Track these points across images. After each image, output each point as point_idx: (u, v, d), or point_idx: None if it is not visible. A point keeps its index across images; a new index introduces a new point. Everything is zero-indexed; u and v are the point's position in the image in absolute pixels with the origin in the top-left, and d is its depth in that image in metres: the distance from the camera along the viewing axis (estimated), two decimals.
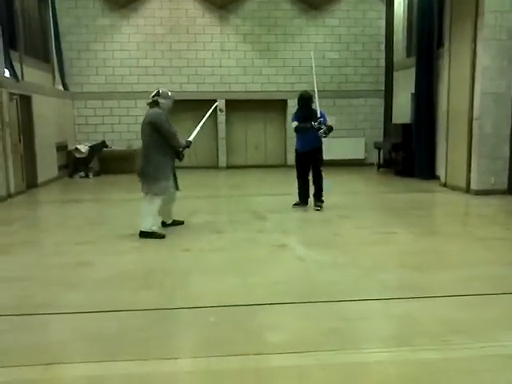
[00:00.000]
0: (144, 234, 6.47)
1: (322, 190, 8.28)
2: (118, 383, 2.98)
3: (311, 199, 8.37)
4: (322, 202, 8.25)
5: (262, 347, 3.36)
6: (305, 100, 8.14)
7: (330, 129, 7.97)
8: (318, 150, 8.20)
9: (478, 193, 9.45)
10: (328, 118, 8.18)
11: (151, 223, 6.51)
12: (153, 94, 6.62)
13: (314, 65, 8.72)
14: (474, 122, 9.55)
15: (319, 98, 8.15)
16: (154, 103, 6.56)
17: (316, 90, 8.16)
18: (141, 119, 6.85)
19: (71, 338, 3.59)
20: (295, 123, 8.13)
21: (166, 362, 3.19)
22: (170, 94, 6.68)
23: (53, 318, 3.95)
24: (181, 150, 6.70)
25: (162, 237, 6.48)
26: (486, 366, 3.11)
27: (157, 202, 6.50)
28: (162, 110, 6.51)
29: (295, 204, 8.39)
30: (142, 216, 6.57)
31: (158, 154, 6.42)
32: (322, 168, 8.28)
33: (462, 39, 9.87)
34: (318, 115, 7.89)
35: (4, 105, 9.90)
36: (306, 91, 8.46)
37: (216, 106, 8.06)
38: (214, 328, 3.70)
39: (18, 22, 11.25)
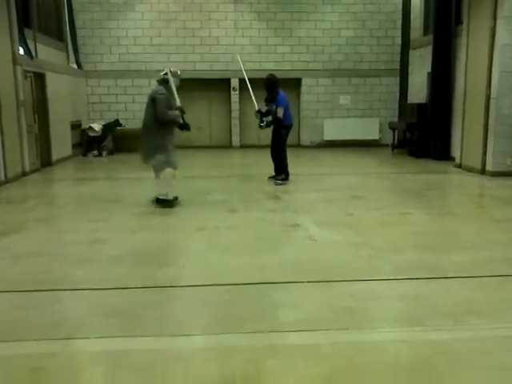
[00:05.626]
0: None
1: (280, 168, 8.90)
2: (134, 359, 3.01)
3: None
4: (279, 178, 8.87)
5: (275, 325, 3.38)
6: (268, 84, 8.56)
7: (274, 121, 8.57)
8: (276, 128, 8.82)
9: (494, 174, 9.32)
10: (281, 108, 8.53)
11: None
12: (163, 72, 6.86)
13: (242, 67, 9.24)
14: (491, 101, 9.38)
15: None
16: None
17: (249, 85, 8.88)
18: None
19: (88, 313, 3.63)
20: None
21: (180, 339, 3.23)
22: (179, 72, 6.97)
23: (69, 294, 4.01)
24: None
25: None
26: (500, 347, 3.10)
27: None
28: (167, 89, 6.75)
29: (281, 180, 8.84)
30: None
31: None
32: (280, 147, 8.88)
33: (480, 16, 9.65)
34: (277, 103, 8.44)
35: (19, 82, 9.92)
36: (272, 74, 8.80)
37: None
38: (228, 305, 3.73)
39: None
